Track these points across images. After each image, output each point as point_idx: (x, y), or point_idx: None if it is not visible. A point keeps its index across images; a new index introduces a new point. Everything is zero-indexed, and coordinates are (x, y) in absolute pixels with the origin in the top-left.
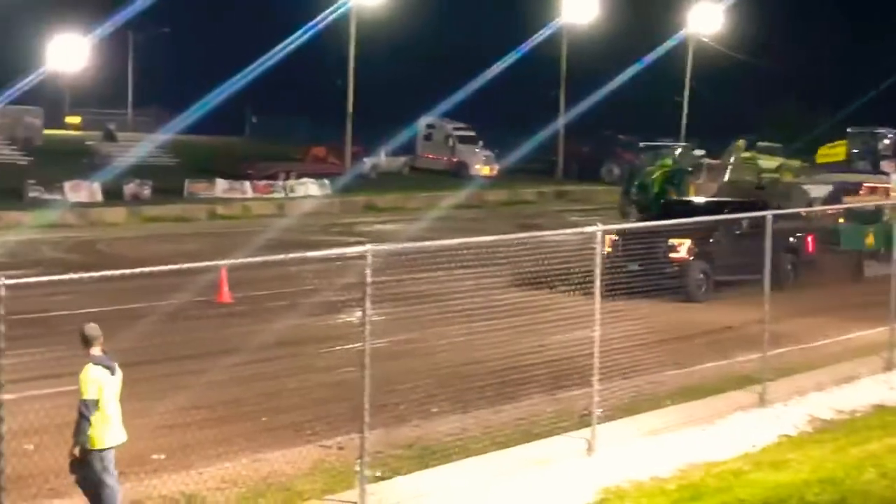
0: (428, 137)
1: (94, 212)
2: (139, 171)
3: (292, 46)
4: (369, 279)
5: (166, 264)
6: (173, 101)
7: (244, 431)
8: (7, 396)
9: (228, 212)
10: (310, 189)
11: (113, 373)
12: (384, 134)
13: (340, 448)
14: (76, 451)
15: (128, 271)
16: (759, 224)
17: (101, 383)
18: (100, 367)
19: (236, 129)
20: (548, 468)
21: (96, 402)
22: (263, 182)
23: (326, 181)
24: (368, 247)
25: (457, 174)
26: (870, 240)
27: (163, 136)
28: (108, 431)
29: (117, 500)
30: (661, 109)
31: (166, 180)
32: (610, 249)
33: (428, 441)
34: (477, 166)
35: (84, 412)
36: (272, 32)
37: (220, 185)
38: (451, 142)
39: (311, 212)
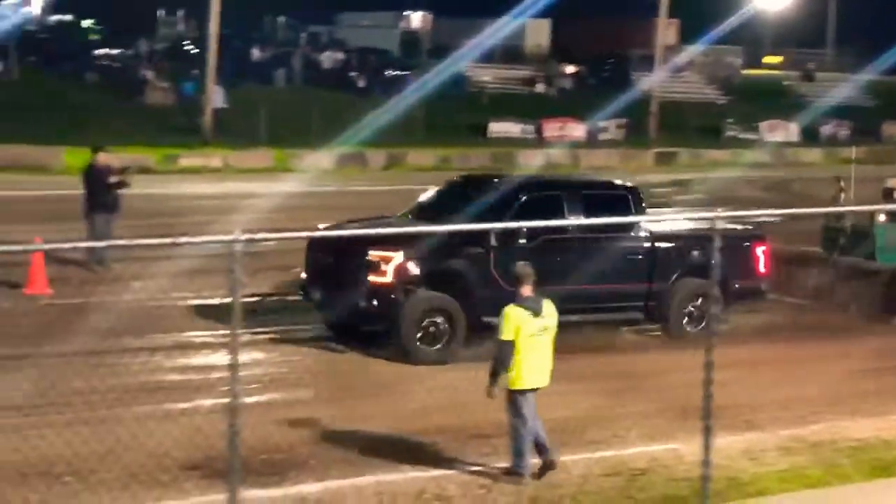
0: None
1: (790, 152)
2: (836, 111)
3: None
4: None
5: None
6: (873, 40)
7: None
8: None
9: None
10: None
11: (537, 314)
12: None
13: None
14: (491, 391)
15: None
16: (604, 230)
17: (520, 324)
18: (521, 308)
19: None
20: None
21: (513, 343)
22: None
23: None
24: None
25: None
26: None
27: (861, 76)
28: (525, 373)
29: (523, 445)
30: None
31: (864, 122)
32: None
33: None
34: None
35: (498, 352)
36: None
37: None
38: None
39: None
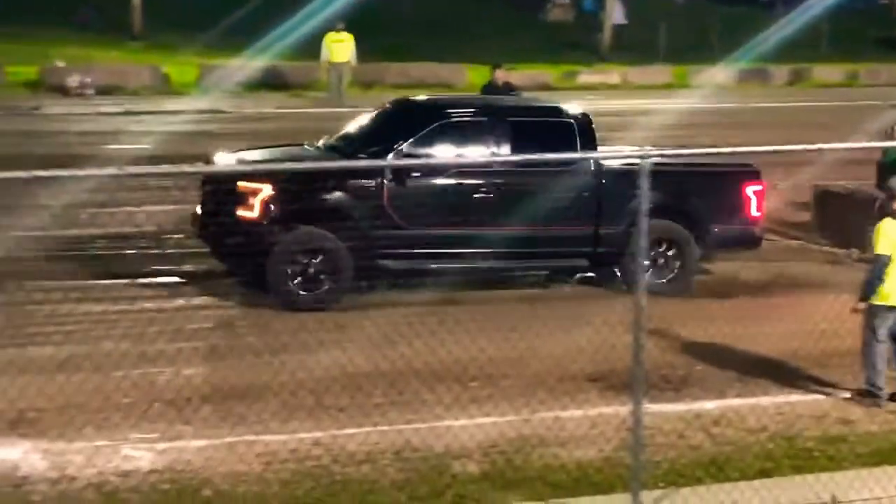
0: None
1: None
2: None
3: None
4: None
5: None
6: None
7: None
8: None
9: None
10: None
11: None
12: None
13: None
14: (857, 306)
15: None
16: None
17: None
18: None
19: None
20: None
21: (888, 258)
22: None
23: None
24: None
25: None
26: None
27: None
28: (890, 289)
29: (878, 361)
30: None
31: None
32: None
33: None
34: None
35: (873, 266)
36: None
37: None
38: None
39: None
